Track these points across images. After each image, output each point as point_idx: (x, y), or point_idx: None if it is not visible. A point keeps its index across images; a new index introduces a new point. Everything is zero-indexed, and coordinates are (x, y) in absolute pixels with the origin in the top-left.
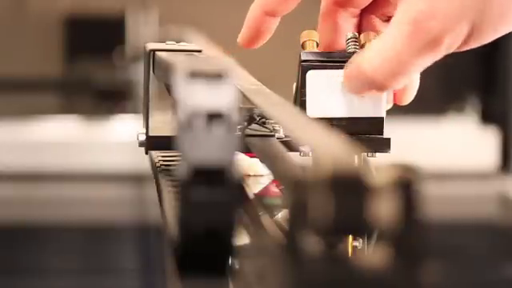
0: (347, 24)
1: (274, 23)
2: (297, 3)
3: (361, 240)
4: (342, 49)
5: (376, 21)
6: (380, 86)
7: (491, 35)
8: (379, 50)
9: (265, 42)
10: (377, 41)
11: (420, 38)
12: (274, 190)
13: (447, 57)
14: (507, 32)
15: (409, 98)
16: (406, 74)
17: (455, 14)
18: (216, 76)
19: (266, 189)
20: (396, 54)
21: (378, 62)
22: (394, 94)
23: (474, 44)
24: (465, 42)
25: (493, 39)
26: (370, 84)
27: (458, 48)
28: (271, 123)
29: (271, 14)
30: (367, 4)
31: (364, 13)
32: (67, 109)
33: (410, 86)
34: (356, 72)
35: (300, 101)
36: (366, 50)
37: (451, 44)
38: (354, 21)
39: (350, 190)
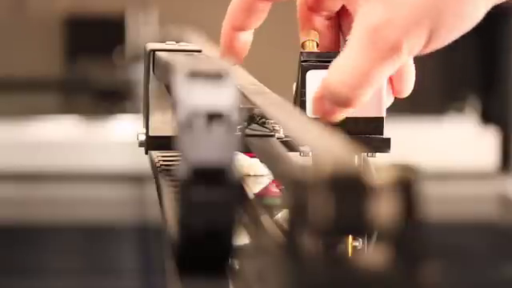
0: (326, 27)
1: (246, 37)
2: (262, 18)
3: (361, 240)
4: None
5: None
6: (346, 101)
7: (449, 37)
8: (341, 63)
9: (242, 56)
10: (340, 54)
11: (378, 46)
12: (274, 190)
13: (447, 57)
14: (465, 32)
15: (407, 89)
16: (370, 84)
17: (413, 20)
18: (216, 76)
19: (266, 189)
20: (357, 65)
21: (341, 76)
22: (393, 88)
23: (435, 47)
24: (425, 46)
25: (452, 40)
26: (336, 101)
27: (421, 51)
28: (271, 123)
29: (239, 29)
30: (339, 7)
31: (341, 13)
32: (67, 109)
33: (406, 78)
34: (324, 92)
35: (300, 101)
36: (331, 66)
37: (411, 50)
38: (333, 22)
39: (350, 190)
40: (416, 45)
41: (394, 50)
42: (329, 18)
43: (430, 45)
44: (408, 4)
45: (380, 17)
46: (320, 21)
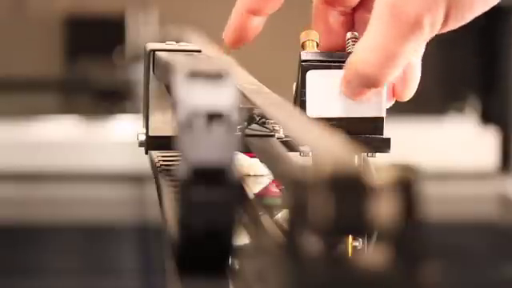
0: (340, 23)
1: (259, 22)
2: (280, 2)
3: (361, 240)
4: (339, 48)
5: (369, 17)
6: (374, 81)
7: (469, 14)
8: (365, 44)
9: (250, 41)
10: (364, 35)
11: (400, 23)
12: (274, 190)
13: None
14: (484, 10)
15: (409, 93)
16: (395, 62)
17: None
18: (216, 76)
19: (265, 189)
20: (381, 43)
21: (367, 56)
22: (394, 91)
23: (454, 24)
24: (445, 22)
25: (471, 18)
26: (366, 83)
27: (440, 29)
28: (271, 123)
29: (255, 12)
30: (357, 2)
31: (356, 10)
32: (67, 109)
33: (409, 81)
34: (351, 74)
35: (300, 101)
36: (355, 48)
37: (432, 24)
38: (347, 19)
39: (350, 190)
40: (436, 19)
41: (416, 25)
42: (344, 14)
43: (449, 21)
44: None
45: None
46: (334, 16)
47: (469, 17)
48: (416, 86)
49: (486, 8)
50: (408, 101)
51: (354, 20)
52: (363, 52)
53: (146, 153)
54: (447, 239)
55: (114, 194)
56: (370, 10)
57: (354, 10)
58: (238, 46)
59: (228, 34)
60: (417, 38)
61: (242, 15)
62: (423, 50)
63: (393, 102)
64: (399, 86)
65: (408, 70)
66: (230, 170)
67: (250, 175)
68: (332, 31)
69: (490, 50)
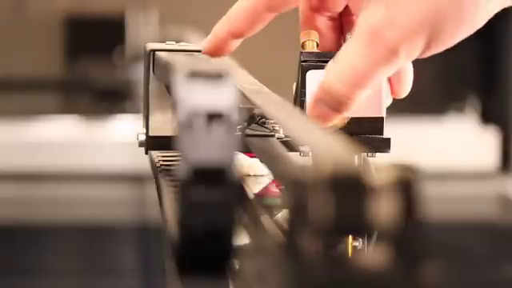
0: (329, 28)
1: (238, 42)
2: (263, 26)
3: (361, 240)
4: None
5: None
6: (343, 101)
7: (450, 42)
8: (339, 62)
9: (227, 54)
10: (339, 54)
11: (376, 49)
12: (274, 190)
13: (447, 57)
14: (466, 36)
15: (405, 90)
16: (366, 85)
17: (413, 25)
18: (216, 76)
19: (265, 189)
20: (354, 64)
21: (339, 74)
22: (391, 89)
23: (434, 51)
24: (424, 50)
25: (452, 45)
26: (334, 102)
27: (420, 55)
28: (271, 123)
29: (236, 35)
30: (343, 8)
31: (344, 14)
32: (67, 109)
33: (404, 78)
34: (324, 90)
35: (300, 101)
36: (329, 64)
37: (409, 54)
38: (335, 23)
39: (350, 190)
40: (414, 49)
41: (392, 53)
42: (331, 19)
43: (429, 49)
44: (409, 8)
45: (381, 19)
46: (322, 21)
47: (449, 45)
48: (411, 82)
49: (469, 33)
50: (408, 101)
51: (342, 24)
52: (336, 69)
53: (146, 153)
54: (447, 239)
55: (114, 194)
56: (356, 14)
57: (342, 14)
58: (212, 56)
59: (206, 47)
60: (391, 65)
61: (223, 35)
62: None
63: (391, 101)
64: (395, 84)
65: (401, 69)
66: (230, 170)
67: (249, 175)
68: (322, 36)
69: (490, 50)
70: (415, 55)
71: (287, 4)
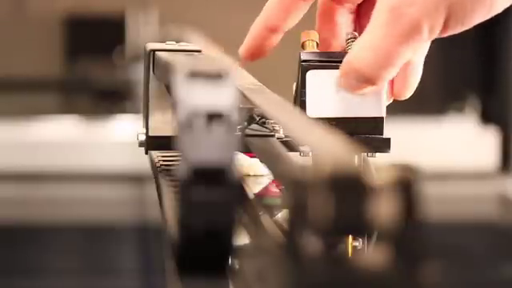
0: (346, 20)
1: (277, 39)
2: (299, 18)
3: (361, 240)
4: (342, 46)
5: None
6: (371, 79)
7: (469, 21)
8: (364, 42)
9: (265, 57)
10: (362, 35)
11: (399, 24)
12: (274, 190)
13: (447, 57)
14: (484, 19)
15: (409, 92)
16: (393, 63)
17: (433, 0)
18: (216, 76)
19: (265, 189)
20: (379, 43)
21: (365, 54)
22: (393, 89)
23: (454, 29)
24: (444, 27)
25: (471, 26)
26: (362, 79)
27: (440, 34)
28: (271, 123)
29: (274, 29)
30: None
31: (361, 7)
32: (67, 109)
33: (410, 80)
34: (348, 69)
35: (300, 101)
36: (354, 45)
37: (431, 29)
38: (352, 16)
39: (349, 190)
40: (436, 25)
41: (415, 28)
42: (350, 12)
43: (448, 28)
44: None
45: None
46: (342, 13)
47: (468, 24)
48: (416, 86)
49: (487, 17)
50: (408, 101)
51: (360, 17)
52: (360, 51)
53: (146, 153)
54: (447, 239)
55: (114, 194)
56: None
57: (359, 7)
58: (253, 60)
59: (245, 50)
60: (415, 42)
61: (260, 32)
62: (427, 50)
63: (391, 100)
64: (399, 85)
65: (409, 69)
66: (230, 170)
67: (249, 175)
68: (338, 29)
69: (490, 49)
70: (436, 32)
71: None
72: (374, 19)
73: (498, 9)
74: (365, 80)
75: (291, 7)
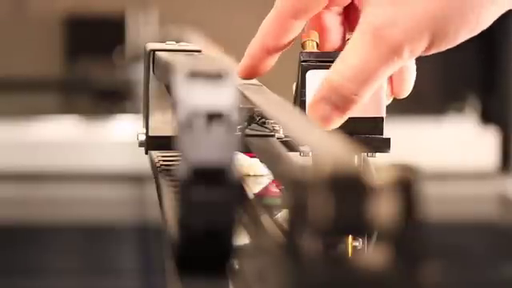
0: (334, 22)
1: (273, 60)
2: (295, 36)
3: (361, 240)
4: (338, 47)
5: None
6: (349, 98)
7: (453, 41)
8: (343, 61)
9: (264, 75)
10: (342, 53)
11: (381, 46)
12: (274, 190)
13: (447, 57)
14: (470, 37)
15: (406, 90)
16: (371, 83)
17: (415, 23)
18: (216, 76)
19: (265, 189)
20: (359, 63)
21: (344, 73)
22: (392, 88)
23: (438, 49)
24: (428, 48)
25: (456, 44)
26: (339, 100)
27: (422, 53)
28: (271, 123)
29: (270, 50)
30: (349, 2)
31: (350, 8)
32: (67, 109)
33: (406, 79)
34: (328, 87)
35: (300, 101)
36: (334, 64)
37: (412, 53)
38: (340, 18)
39: (349, 190)
40: (417, 48)
41: (396, 51)
42: (338, 14)
43: (432, 48)
44: (413, 7)
45: (384, 17)
46: (329, 16)
47: (452, 44)
48: (412, 82)
49: (473, 34)
50: (408, 101)
51: (349, 18)
52: (341, 67)
53: (146, 153)
54: (447, 239)
55: (114, 194)
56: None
57: (348, 8)
58: (250, 78)
59: (242, 69)
60: (394, 63)
61: (257, 53)
62: None
63: (390, 100)
64: (396, 84)
65: (404, 68)
66: (230, 170)
67: (249, 175)
68: (330, 31)
69: (490, 50)
70: (418, 53)
71: (310, 9)
72: (356, 38)
73: (485, 24)
74: (341, 102)
75: (287, 25)
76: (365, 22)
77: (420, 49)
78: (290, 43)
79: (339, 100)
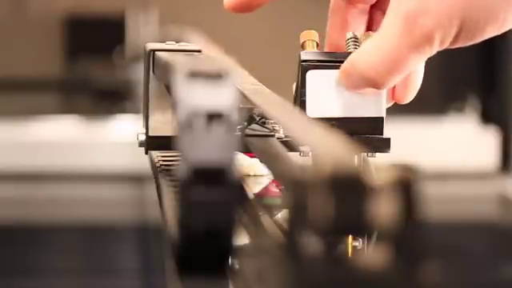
0: (357, 21)
1: None
2: None
3: (361, 240)
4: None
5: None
6: (375, 84)
7: (480, 35)
8: (373, 47)
9: (255, 10)
10: (371, 39)
11: (412, 34)
12: (274, 190)
13: (447, 57)
14: (495, 34)
15: (410, 96)
16: (400, 71)
17: (446, 11)
18: (216, 76)
19: (265, 189)
20: (389, 51)
21: (372, 59)
22: (394, 93)
23: (464, 42)
24: (455, 39)
25: (481, 39)
26: (365, 81)
27: (449, 45)
28: (271, 123)
29: None
30: (376, 0)
31: (373, 9)
32: (67, 109)
33: (411, 84)
34: (351, 69)
35: (300, 101)
36: (361, 48)
37: (442, 41)
38: (364, 18)
39: (349, 190)
40: (447, 37)
41: (427, 39)
42: (362, 13)
43: (458, 40)
44: None
45: (414, 5)
46: (353, 13)
47: (479, 38)
48: (417, 91)
49: (497, 33)
50: None
51: (372, 19)
52: (368, 53)
53: (146, 153)
54: (447, 239)
55: (114, 194)
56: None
57: (372, 9)
58: (235, 12)
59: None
60: (425, 51)
61: None
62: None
63: (391, 104)
64: (400, 89)
65: (411, 74)
66: (230, 170)
67: (249, 175)
68: (348, 29)
69: (490, 50)
70: (447, 44)
71: None
72: (387, 25)
73: (510, 25)
74: (368, 83)
75: None
76: (395, 9)
77: (449, 39)
78: None
79: (365, 82)
